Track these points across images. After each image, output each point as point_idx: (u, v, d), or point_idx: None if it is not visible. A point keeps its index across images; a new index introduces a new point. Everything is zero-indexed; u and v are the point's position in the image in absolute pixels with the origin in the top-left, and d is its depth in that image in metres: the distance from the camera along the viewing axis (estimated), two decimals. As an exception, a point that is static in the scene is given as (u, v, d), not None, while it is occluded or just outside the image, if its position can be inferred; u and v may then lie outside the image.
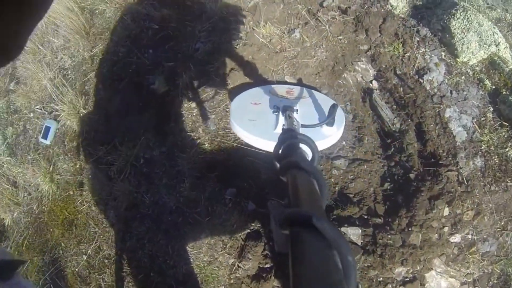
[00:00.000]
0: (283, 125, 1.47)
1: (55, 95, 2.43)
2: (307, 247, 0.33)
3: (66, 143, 2.39)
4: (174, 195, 1.93)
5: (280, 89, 1.83)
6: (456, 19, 2.28)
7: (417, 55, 2.15)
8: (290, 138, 0.83)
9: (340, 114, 1.69)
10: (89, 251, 2.11)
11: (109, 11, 2.84)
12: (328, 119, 1.57)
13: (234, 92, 1.97)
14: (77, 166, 2.27)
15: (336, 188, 1.80)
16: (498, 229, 1.88)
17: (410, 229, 1.77)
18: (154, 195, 1.97)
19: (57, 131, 2.47)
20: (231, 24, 2.36)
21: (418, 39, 2.23)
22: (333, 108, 1.60)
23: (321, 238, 0.33)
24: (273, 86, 1.87)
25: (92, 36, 2.76)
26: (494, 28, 2.34)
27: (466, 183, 1.89)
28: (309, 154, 0.83)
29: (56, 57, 2.83)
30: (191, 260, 1.83)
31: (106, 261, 2.04)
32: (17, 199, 2.49)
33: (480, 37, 2.26)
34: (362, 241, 1.73)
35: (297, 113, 1.61)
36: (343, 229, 1.72)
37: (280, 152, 0.82)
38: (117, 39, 2.60)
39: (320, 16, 2.29)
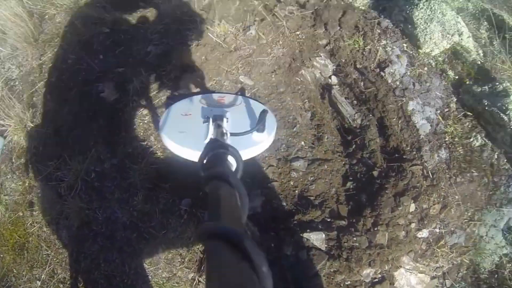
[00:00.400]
0: (212, 135, 1.48)
1: (0, 109, 2.36)
2: (220, 260, 0.33)
3: (13, 160, 2.33)
4: (127, 210, 1.92)
5: (211, 98, 1.88)
6: (419, 9, 2.32)
7: (378, 47, 2.18)
8: (215, 148, 0.85)
9: (271, 120, 1.75)
10: (43, 276, 2.06)
11: (59, 16, 2.81)
12: (258, 125, 1.61)
13: (184, 97, 1.96)
14: (26, 184, 2.22)
15: (296, 191, 1.81)
16: (465, 220, 1.94)
17: (376, 228, 1.79)
18: (106, 211, 1.96)
19: (4, 148, 2.40)
20: (184, 25, 2.36)
21: (379, 31, 2.26)
22: (263, 114, 1.64)
23: (235, 251, 0.34)
24: (204, 95, 1.91)
25: (41, 43, 2.73)
26: (457, 17, 2.40)
27: (431, 177, 1.93)
28: (234, 164, 0.84)
29: (3, 67, 2.76)
30: (149, 277, 1.82)
31: (61, 285, 2.00)
32: (-38, 224, 2.39)
33: (443, 27, 2.31)
34: (326, 245, 1.74)
35: (227, 122, 1.65)
36: (305, 235, 1.73)
37: (204, 162, 0.83)
38: (66, 45, 2.59)
39: (277, 12, 2.31)
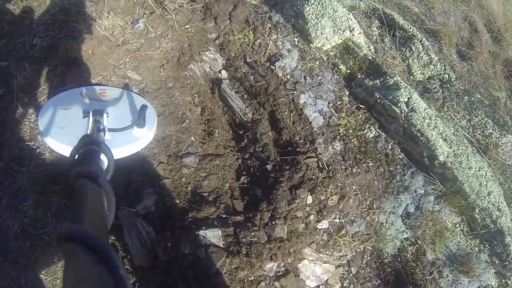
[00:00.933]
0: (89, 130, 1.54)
1: None
2: (77, 263, 0.35)
3: None
4: (17, 217, 1.90)
5: (92, 91, 1.94)
6: (310, 4, 2.61)
7: (268, 41, 2.39)
8: (86, 145, 0.88)
9: (151, 115, 1.86)
10: None
11: None
12: (137, 121, 1.71)
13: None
14: None
15: (189, 188, 1.90)
16: (365, 209, 2.16)
17: (274, 222, 1.93)
18: None
19: None
20: (72, 16, 2.40)
21: (270, 25, 2.49)
22: (143, 109, 1.76)
23: (92, 254, 0.36)
24: (85, 88, 1.96)
25: None
26: (349, 14, 2.74)
27: (327, 169, 2.14)
28: (105, 162, 0.89)
29: None
30: None
31: None
32: None
33: (334, 22, 2.61)
34: (224, 242, 1.84)
35: (107, 117, 1.72)
36: (201, 232, 1.81)
37: (75, 159, 0.85)
38: None
39: (167, 5, 2.43)
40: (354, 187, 2.19)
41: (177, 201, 1.88)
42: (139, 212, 1.87)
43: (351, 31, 2.69)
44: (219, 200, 1.92)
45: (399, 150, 2.40)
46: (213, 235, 1.83)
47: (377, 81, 2.53)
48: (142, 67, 2.20)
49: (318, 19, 2.58)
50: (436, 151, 2.24)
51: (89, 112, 1.70)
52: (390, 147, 2.38)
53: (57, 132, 1.64)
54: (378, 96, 2.41)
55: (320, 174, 2.12)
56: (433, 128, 2.30)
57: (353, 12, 2.97)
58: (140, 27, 2.36)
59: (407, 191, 2.31)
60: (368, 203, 2.21)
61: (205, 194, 1.92)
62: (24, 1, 2.60)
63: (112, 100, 1.91)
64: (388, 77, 2.55)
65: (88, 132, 1.50)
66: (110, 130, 1.56)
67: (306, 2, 2.64)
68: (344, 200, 2.13)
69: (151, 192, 1.89)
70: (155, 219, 1.85)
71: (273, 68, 2.31)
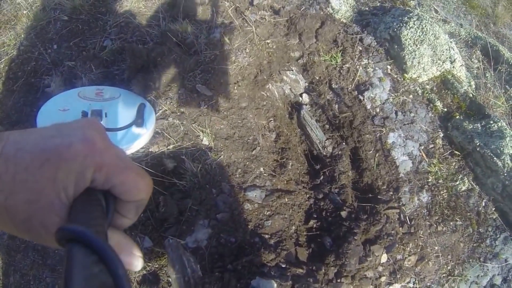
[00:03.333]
0: None
1: None
2: (72, 263, 0.32)
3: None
4: None
5: (89, 92, 1.90)
6: (408, 28, 2.17)
7: (358, 67, 2.01)
8: None
9: (148, 113, 1.82)
10: None
11: None
12: (136, 120, 1.70)
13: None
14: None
15: (249, 226, 1.57)
16: (444, 275, 1.79)
17: (339, 280, 1.58)
18: None
19: None
20: (145, 20, 2.18)
21: (360, 48, 2.10)
22: (141, 108, 1.75)
23: (90, 253, 0.33)
24: (82, 88, 1.94)
25: None
26: (451, 42, 2.26)
27: (409, 223, 1.74)
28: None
29: None
30: None
31: None
32: None
33: (434, 51, 2.17)
34: (277, 297, 1.49)
35: (106, 116, 1.75)
36: (253, 282, 1.48)
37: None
38: (22, 30, 2.47)
39: (248, 16, 2.11)
40: (436, 247, 1.77)
41: (233, 240, 1.56)
42: (188, 245, 1.57)
43: (451, 63, 2.21)
44: (281, 246, 1.57)
45: (493, 209, 1.92)
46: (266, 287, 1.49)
47: (478, 124, 2.05)
48: (214, 81, 1.89)
49: (417, 46, 2.14)
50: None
51: (87, 112, 1.71)
52: (484, 204, 1.91)
53: None
54: (478, 144, 1.94)
55: (400, 229, 1.71)
56: (543, 193, 1.80)
57: (453, 39, 2.48)
58: (215, 37, 2.05)
59: (496, 258, 1.85)
60: (449, 268, 1.79)
61: (267, 236, 1.58)
62: (100, 1, 2.47)
63: (110, 99, 1.86)
64: (491, 121, 2.05)
65: None
66: (109, 130, 1.55)
67: (404, 25, 2.19)
68: (423, 262, 1.72)
69: (205, 224, 1.58)
70: (205, 255, 1.53)
71: (361, 98, 1.92)
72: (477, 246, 1.85)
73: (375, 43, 2.17)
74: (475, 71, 2.39)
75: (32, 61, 2.29)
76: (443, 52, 2.19)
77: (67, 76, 2.14)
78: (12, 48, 2.41)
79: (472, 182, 1.94)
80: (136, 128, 1.71)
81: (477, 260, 1.83)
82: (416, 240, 1.72)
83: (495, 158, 1.88)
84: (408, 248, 1.70)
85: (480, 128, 2.02)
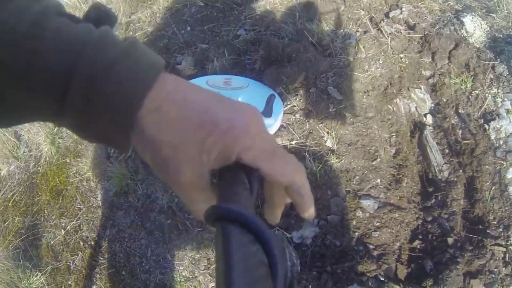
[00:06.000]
0: None
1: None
2: (230, 242, 0.30)
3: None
4: (169, 193, 1.74)
5: (218, 80, 1.83)
6: (544, 62, 1.87)
7: (487, 95, 1.79)
8: None
9: (278, 105, 1.73)
10: (68, 227, 1.95)
11: None
12: (265, 110, 1.63)
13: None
14: (81, 134, 2.07)
15: (356, 233, 1.49)
16: None
17: (433, 304, 1.43)
18: (148, 187, 1.81)
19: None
20: (281, 16, 2.09)
21: (491, 76, 1.86)
22: (270, 98, 1.67)
23: (246, 232, 0.31)
24: (211, 77, 1.87)
25: (135, 1, 2.63)
26: None
27: (513, 264, 1.53)
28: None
29: None
30: (169, 270, 1.65)
31: (82, 243, 1.92)
32: (17, 153, 2.39)
33: None
34: (368, 308, 1.41)
35: None
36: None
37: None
38: (158, 9, 2.50)
39: (383, 27, 1.94)
40: (538, 296, 1.56)
41: (338, 243, 1.49)
42: (293, 240, 1.52)
43: None
44: (384, 259, 1.47)
45: None
46: (360, 296, 1.41)
47: None
48: (345, 87, 1.78)
49: None
50: None
51: None
52: None
53: None
54: None
55: (503, 269, 1.52)
56: None
57: None
58: (351, 44, 1.93)
59: None
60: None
61: (372, 246, 1.49)
62: None
63: (238, 88, 1.79)
64: None
65: None
66: None
67: None
68: (520, 307, 1.53)
69: (314, 223, 1.52)
70: (307, 253, 1.48)
71: (487, 127, 1.70)
72: None
73: (507, 73, 1.90)
74: None
75: (165, 39, 2.29)
76: None
77: (198, 57, 2.12)
78: (147, 25, 2.44)
79: None
80: (264, 118, 1.64)
81: None
82: (518, 284, 1.53)
83: None
84: (508, 290, 1.52)
85: None
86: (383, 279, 1.44)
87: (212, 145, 0.36)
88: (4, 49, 0.31)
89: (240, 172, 0.39)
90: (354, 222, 1.51)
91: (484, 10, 2.21)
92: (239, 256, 0.29)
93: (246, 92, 1.77)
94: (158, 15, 2.44)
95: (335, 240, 1.48)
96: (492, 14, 2.18)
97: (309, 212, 0.47)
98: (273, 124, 1.67)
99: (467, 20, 2.09)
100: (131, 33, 2.44)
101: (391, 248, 1.49)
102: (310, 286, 1.42)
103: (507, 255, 1.56)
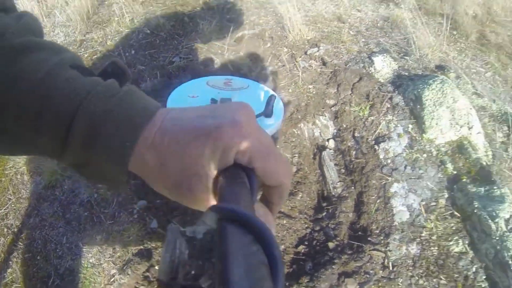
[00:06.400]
0: None
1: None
2: (230, 242, 0.31)
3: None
4: (90, 188, 1.97)
5: (218, 80, 1.78)
6: (430, 89, 2.14)
7: (381, 121, 2.03)
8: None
9: (279, 106, 1.64)
10: None
11: (116, 6, 2.93)
12: (265, 110, 1.52)
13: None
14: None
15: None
16: None
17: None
18: (74, 183, 2.02)
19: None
20: (214, 50, 2.36)
21: (388, 105, 2.12)
22: (271, 99, 1.56)
23: (246, 233, 0.32)
24: (211, 77, 1.81)
25: (92, 22, 2.92)
26: (471, 109, 2.15)
27: (390, 269, 1.72)
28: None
29: (54, 31, 2.98)
30: (79, 257, 1.82)
31: (6, 229, 2.01)
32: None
33: (452, 115, 2.09)
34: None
35: None
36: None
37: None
38: (110, 32, 2.77)
39: (299, 62, 2.21)
40: (413, 300, 1.72)
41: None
42: (186, 233, 1.69)
43: (469, 129, 2.11)
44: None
45: (484, 277, 1.80)
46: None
47: (482, 188, 1.93)
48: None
49: (436, 107, 2.08)
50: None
51: (216, 99, 1.56)
52: (474, 270, 1.80)
53: None
54: (476, 206, 1.84)
55: (380, 271, 1.70)
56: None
57: (482, 113, 2.35)
58: (266, 73, 2.21)
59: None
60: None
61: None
62: (180, 25, 2.71)
63: (238, 89, 1.71)
64: (495, 187, 1.93)
65: None
66: None
67: (427, 86, 2.14)
68: (396, 308, 1.69)
69: (206, 222, 1.71)
70: (197, 245, 1.65)
71: (377, 148, 1.93)
72: (458, 308, 1.76)
73: (403, 103, 2.16)
74: (497, 145, 2.25)
75: (110, 58, 2.48)
76: (461, 117, 2.10)
77: (135, 77, 2.37)
78: (98, 44, 2.69)
79: (466, 246, 1.85)
80: (265, 118, 1.56)
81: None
82: (394, 286, 1.69)
83: (489, 221, 1.78)
84: (384, 291, 1.68)
85: (483, 192, 1.91)
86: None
87: (211, 155, 0.37)
88: (23, 93, 0.35)
89: (240, 172, 0.40)
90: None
91: (402, 54, 2.51)
92: (239, 256, 0.29)
93: (247, 92, 1.75)
94: (109, 37, 2.71)
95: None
96: (406, 57, 2.48)
97: (275, 214, 0.47)
98: (273, 125, 1.61)
99: (378, 59, 2.37)
100: (82, 49, 2.68)
101: (277, 252, 1.67)
102: (192, 272, 1.59)
103: (385, 260, 1.74)
